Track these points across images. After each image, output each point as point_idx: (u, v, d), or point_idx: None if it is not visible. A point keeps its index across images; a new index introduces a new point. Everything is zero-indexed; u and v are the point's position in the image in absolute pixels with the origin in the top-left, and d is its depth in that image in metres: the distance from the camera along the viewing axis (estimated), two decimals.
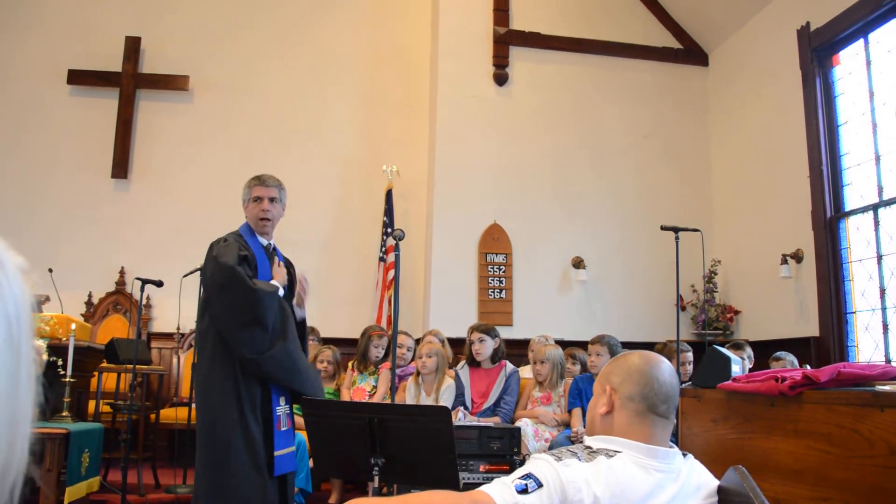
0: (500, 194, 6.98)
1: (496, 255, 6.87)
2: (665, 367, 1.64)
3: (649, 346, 5.76)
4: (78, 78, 7.04)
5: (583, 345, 5.58)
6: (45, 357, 3.99)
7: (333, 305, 6.90)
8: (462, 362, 5.18)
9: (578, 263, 6.95)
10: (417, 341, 5.63)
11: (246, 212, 3.46)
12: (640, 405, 1.58)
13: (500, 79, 7.15)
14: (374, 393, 5.16)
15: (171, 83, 7.17)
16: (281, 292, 3.30)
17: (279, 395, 3.25)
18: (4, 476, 0.59)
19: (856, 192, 5.80)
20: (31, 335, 0.63)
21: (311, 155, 7.32)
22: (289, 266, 3.57)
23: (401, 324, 5.87)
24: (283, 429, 3.25)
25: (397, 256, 3.57)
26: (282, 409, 3.25)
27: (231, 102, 7.32)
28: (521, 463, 3.55)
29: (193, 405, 4.18)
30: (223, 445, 3.08)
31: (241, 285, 3.13)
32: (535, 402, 4.92)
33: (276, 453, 3.18)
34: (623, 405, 1.60)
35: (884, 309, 5.39)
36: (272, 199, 3.42)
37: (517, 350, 5.99)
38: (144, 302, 6.65)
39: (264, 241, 3.45)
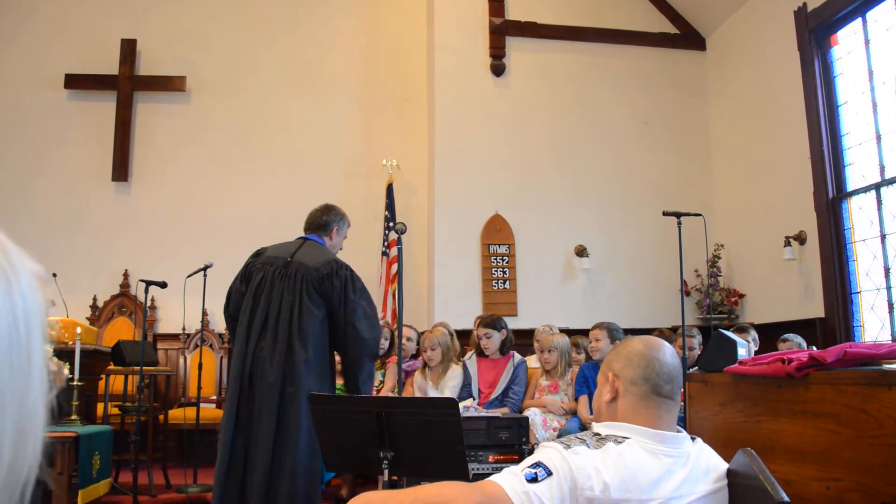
0: (500, 185, 6.97)
1: (499, 245, 6.87)
2: (666, 349, 1.65)
3: (654, 332, 5.76)
4: (75, 82, 7.04)
5: (588, 333, 5.59)
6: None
7: None
8: (470, 353, 5.18)
9: (581, 252, 6.94)
10: (423, 334, 5.61)
11: (336, 239, 3.79)
12: (643, 387, 1.58)
13: (498, 69, 7.13)
14: (382, 387, 5.17)
15: (168, 84, 7.16)
16: None
17: None
18: (15, 473, 0.59)
19: (857, 172, 5.78)
20: (42, 337, 0.62)
21: (310, 152, 7.31)
22: None
23: (406, 317, 5.87)
24: None
25: (400, 250, 3.57)
26: None
27: (228, 101, 7.31)
28: (530, 452, 3.55)
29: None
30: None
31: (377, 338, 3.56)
32: (542, 392, 4.93)
33: None
34: (627, 390, 1.60)
35: (889, 288, 5.38)
36: None
37: (522, 340, 5.99)
38: (149, 304, 6.68)
39: None
